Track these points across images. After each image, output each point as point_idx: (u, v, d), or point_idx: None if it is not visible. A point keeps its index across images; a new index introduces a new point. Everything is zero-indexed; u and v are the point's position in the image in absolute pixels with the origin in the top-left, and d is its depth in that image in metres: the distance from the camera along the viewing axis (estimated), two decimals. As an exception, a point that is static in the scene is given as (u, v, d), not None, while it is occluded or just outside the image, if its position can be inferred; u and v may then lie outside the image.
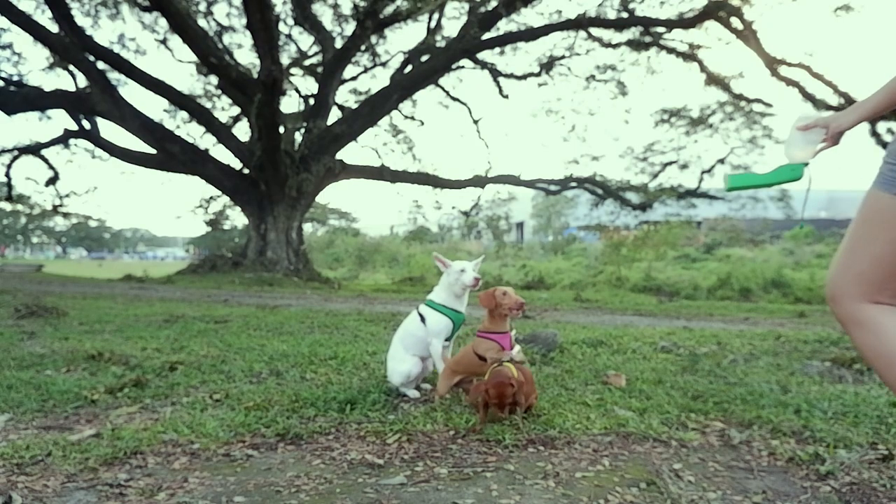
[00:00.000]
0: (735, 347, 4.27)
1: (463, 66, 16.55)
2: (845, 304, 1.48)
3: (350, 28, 15.28)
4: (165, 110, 17.78)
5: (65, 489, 1.78)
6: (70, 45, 13.54)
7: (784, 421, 2.41)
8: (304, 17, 15.66)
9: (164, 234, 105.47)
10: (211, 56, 13.43)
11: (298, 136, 15.50)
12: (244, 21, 13.79)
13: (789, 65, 13.30)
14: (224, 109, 18.35)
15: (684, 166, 17.47)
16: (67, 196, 19.66)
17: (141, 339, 4.34)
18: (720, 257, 19.37)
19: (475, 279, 2.81)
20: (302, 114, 16.52)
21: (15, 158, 17.61)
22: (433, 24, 16.01)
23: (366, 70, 17.78)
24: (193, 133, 17.29)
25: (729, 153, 17.01)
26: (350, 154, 38.59)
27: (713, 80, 14.78)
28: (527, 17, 15.23)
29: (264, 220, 14.75)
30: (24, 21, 13.17)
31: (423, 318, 2.88)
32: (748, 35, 12.96)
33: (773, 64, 13.28)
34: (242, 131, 16.45)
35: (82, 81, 15.24)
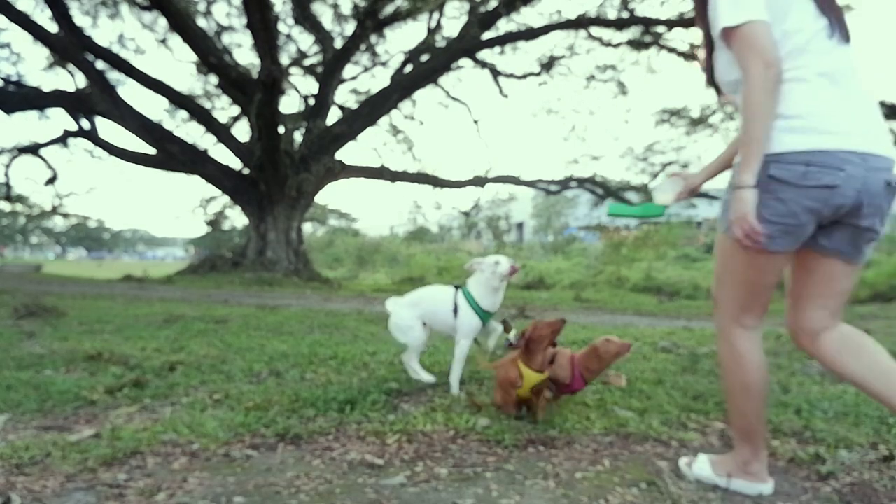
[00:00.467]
0: (735, 347, 4.26)
1: (463, 66, 16.56)
2: (721, 323, 1.77)
3: (350, 28, 15.28)
4: (165, 110, 17.79)
5: (64, 489, 1.78)
6: (69, 45, 13.53)
7: (784, 421, 2.41)
8: (304, 17, 15.66)
9: (163, 235, 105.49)
10: (211, 56, 13.43)
11: (298, 136, 15.49)
12: (244, 21, 13.78)
13: (789, 64, 13.29)
14: (224, 109, 18.34)
15: (684, 166, 17.45)
16: (67, 196, 19.74)
17: (140, 340, 4.34)
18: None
19: (512, 267, 2.77)
20: (302, 114, 16.51)
21: (14, 158, 17.60)
22: (433, 24, 16.00)
23: (366, 70, 17.78)
24: (193, 133, 17.29)
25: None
26: (350, 154, 38.61)
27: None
28: (527, 17, 15.31)
29: (264, 220, 14.74)
30: (23, 21, 13.15)
31: (456, 308, 2.85)
32: (748, 35, 12.94)
33: (773, 64, 13.27)
34: (242, 131, 16.46)
35: (81, 81, 15.23)
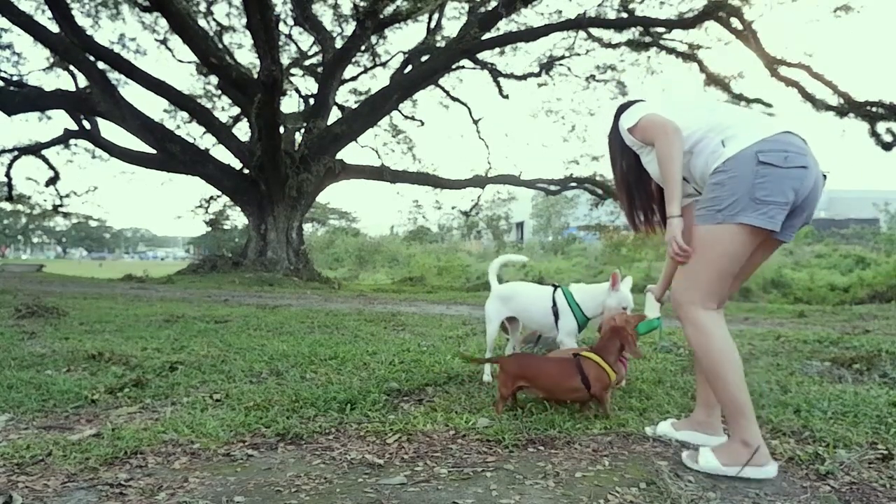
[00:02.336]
0: (735, 347, 4.27)
1: (463, 66, 16.55)
2: (683, 308, 1.98)
3: (350, 28, 15.29)
4: (165, 110, 17.77)
5: (65, 489, 1.78)
6: (70, 46, 13.53)
7: (784, 421, 2.41)
8: (304, 18, 15.67)
9: (164, 234, 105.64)
10: (211, 56, 13.43)
11: (298, 136, 15.49)
12: (244, 21, 13.79)
13: (789, 65, 13.29)
14: (224, 109, 18.36)
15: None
16: (68, 196, 19.65)
17: (141, 339, 4.34)
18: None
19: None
20: (302, 114, 16.51)
21: (15, 158, 17.60)
22: (433, 24, 16.02)
23: (366, 70, 17.79)
24: (193, 133, 17.29)
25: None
26: (350, 154, 38.61)
27: (713, 80, 14.76)
28: (527, 18, 15.23)
29: (264, 220, 14.75)
30: (24, 21, 13.16)
31: (555, 306, 2.85)
32: (748, 35, 12.95)
33: (772, 64, 13.27)
34: (242, 131, 16.47)
35: (82, 81, 15.23)
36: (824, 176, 1.94)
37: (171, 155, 14.99)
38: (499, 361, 2.63)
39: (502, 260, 3.34)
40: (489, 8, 14.27)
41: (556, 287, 2.95)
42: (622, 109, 2.24)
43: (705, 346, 1.94)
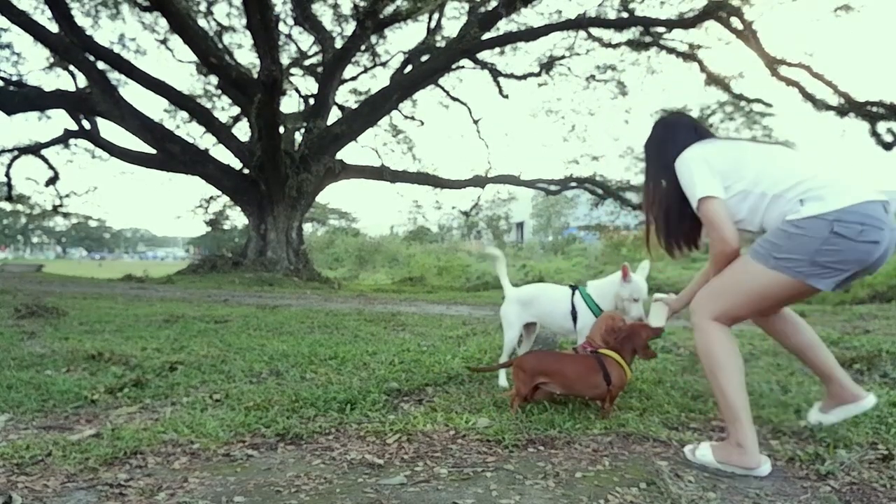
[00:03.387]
0: (735, 347, 4.26)
1: (463, 66, 16.54)
2: (697, 315, 2.07)
3: (350, 28, 15.28)
4: (165, 110, 17.76)
5: (65, 489, 1.78)
6: (70, 45, 13.53)
7: (784, 421, 2.41)
8: (304, 17, 15.66)
9: (164, 234, 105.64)
10: (211, 56, 13.42)
11: (298, 136, 15.49)
12: (244, 21, 13.78)
13: (789, 65, 13.29)
14: (224, 109, 18.35)
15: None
16: (67, 196, 19.67)
17: (141, 339, 4.34)
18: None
19: (639, 319, 2.71)
20: (302, 114, 16.51)
21: (15, 158, 17.59)
22: (433, 24, 16.00)
23: (366, 70, 17.77)
24: (193, 133, 17.28)
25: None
26: (350, 154, 38.53)
27: (713, 80, 14.76)
28: (527, 17, 15.22)
29: (264, 220, 14.74)
30: (23, 21, 13.15)
31: (574, 309, 2.84)
32: (748, 35, 12.95)
33: (773, 64, 13.27)
34: (242, 131, 16.46)
35: (82, 81, 15.23)
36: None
37: (170, 155, 14.99)
38: (515, 362, 2.61)
39: (499, 257, 3.25)
40: (489, 8, 14.26)
41: (573, 289, 2.94)
42: (671, 126, 2.29)
43: (706, 350, 2.03)
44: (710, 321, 2.03)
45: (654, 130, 2.36)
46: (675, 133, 2.28)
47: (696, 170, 2.08)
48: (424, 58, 16.01)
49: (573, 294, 2.90)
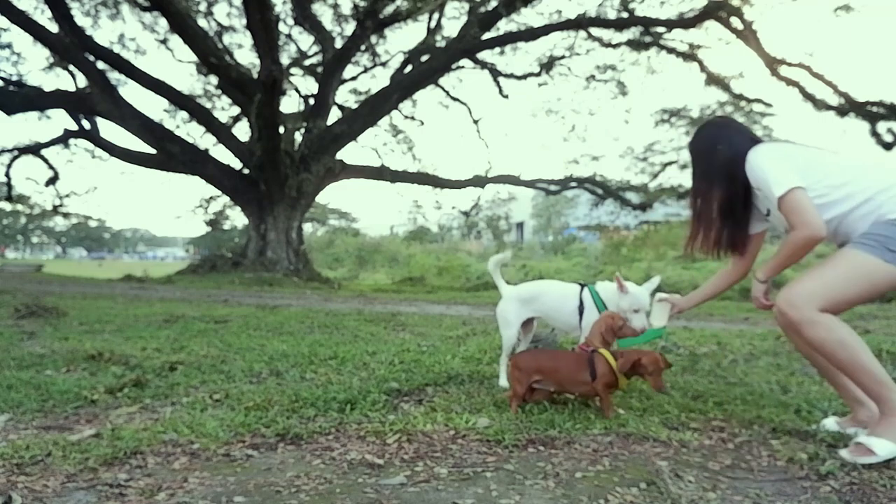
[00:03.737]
0: (735, 347, 4.27)
1: (463, 66, 16.55)
2: (804, 311, 2.02)
3: (350, 28, 15.28)
4: (165, 110, 17.77)
5: (65, 489, 1.78)
6: (70, 45, 13.53)
7: (784, 421, 2.41)
8: (304, 17, 15.66)
9: (164, 234, 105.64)
10: (211, 56, 13.43)
11: (298, 136, 15.48)
12: (244, 21, 13.79)
13: (789, 65, 13.31)
14: (224, 109, 18.35)
15: (684, 166, 17.45)
16: (67, 196, 19.73)
17: (141, 339, 4.34)
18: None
19: (642, 329, 2.66)
20: (302, 114, 16.51)
21: (15, 158, 17.61)
22: (433, 24, 16.00)
23: (366, 70, 17.78)
24: (193, 133, 17.30)
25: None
26: (350, 154, 38.48)
27: (713, 80, 14.78)
28: (527, 17, 15.25)
29: (264, 220, 14.74)
30: (23, 21, 13.16)
31: (581, 305, 2.82)
32: (748, 35, 12.96)
33: (773, 64, 13.28)
34: (242, 131, 16.46)
35: (82, 81, 15.24)
36: None
37: (170, 155, 14.99)
38: (511, 361, 2.60)
39: (500, 259, 3.24)
40: (489, 8, 14.27)
41: (582, 286, 2.93)
42: (723, 127, 2.31)
43: (831, 338, 2.01)
44: (819, 313, 2.01)
45: (705, 130, 2.36)
46: (728, 134, 2.30)
47: (777, 164, 2.12)
48: (424, 58, 16.01)
49: (581, 291, 2.90)
